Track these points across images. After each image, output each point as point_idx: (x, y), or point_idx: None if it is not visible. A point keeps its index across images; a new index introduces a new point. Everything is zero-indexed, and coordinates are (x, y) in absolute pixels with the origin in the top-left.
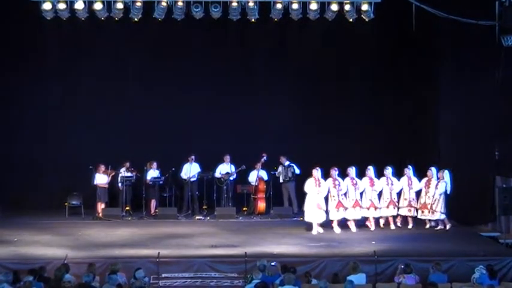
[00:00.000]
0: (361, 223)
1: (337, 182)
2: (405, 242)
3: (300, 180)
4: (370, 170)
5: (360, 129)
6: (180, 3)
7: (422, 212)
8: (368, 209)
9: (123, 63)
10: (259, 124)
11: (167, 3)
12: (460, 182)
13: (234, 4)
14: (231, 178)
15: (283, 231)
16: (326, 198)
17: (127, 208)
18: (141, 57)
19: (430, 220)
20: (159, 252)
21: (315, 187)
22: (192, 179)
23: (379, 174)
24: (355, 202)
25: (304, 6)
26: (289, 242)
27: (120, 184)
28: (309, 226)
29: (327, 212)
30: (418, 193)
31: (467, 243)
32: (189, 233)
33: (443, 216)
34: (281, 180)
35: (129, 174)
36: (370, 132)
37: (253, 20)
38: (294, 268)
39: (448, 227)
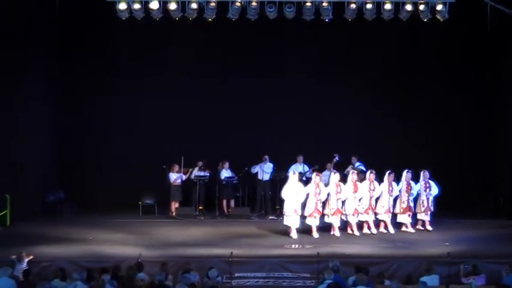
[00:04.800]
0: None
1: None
2: (480, 243)
3: None
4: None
5: (430, 132)
6: (254, 4)
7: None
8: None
9: (197, 63)
10: (332, 124)
11: (241, 3)
12: None
13: (308, 4)
14: (304, 178)
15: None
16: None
17: (200, 207)
18: (215, 57)
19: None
20: (231, 252)
21: (294, 192)
22: (265, 179)
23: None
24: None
25: (378, 6)
26: (362, 242)
27: (193, 183)
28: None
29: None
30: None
31: None
32: (262, 233)
33: None
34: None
35: (202, 173)
36: (440, 135)
37: (326, 20)
38: (366, 269)
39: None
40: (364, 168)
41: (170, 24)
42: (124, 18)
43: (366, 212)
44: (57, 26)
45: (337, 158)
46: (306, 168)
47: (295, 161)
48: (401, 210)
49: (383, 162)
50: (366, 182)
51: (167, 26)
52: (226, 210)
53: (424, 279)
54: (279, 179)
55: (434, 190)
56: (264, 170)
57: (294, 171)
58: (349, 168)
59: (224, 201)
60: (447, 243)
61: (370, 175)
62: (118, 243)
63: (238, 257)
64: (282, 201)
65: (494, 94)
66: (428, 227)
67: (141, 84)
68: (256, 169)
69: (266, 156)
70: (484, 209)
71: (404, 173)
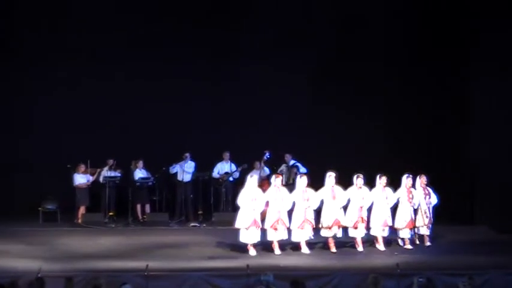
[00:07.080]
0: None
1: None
2: (433, 253)
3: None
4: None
5: (379, 128)
6: None
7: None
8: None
9: (104, 49)
10: (263, 117)
11: None
12: (499, 187)
13: None
14: (231, 179)
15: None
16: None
17: (110, 213)
18: (126, 43)
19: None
20: (147, 265)
21: (252, 199)
22: (185, 180)
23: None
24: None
25: None
26: (298, 252)
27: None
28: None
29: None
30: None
31: (505, 254)
32: (183, 243)
33: None
34: (283, 182)
35: (112, 173)
36: (387, 134)
37: None
38: (303, 283)
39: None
40: (304, 169)
41: None
42: None
43: (355, 226)
44: None
45: (267, 155)
46: (234, 167)
47: (220, 159)
48: (404, 224)
49: (326, 162)
50: (353, 188)
51: None
52: (141, 217)
53: None
54: (202, 180)
55: (434, 198)
56: (185, 170)
57: (220, 171)
58: (283, 167)
59: (138, 206)
60: (396, 253)
61: (357, 180)
62: (14, 256)
63: (155, 270)
64: (206, 205)
65: (448, 88)
66: (428, 243)
67: (39, 75)
68: (175, 169)
69: (187, 154)
70: (443, 213)
71: (404, 178)
